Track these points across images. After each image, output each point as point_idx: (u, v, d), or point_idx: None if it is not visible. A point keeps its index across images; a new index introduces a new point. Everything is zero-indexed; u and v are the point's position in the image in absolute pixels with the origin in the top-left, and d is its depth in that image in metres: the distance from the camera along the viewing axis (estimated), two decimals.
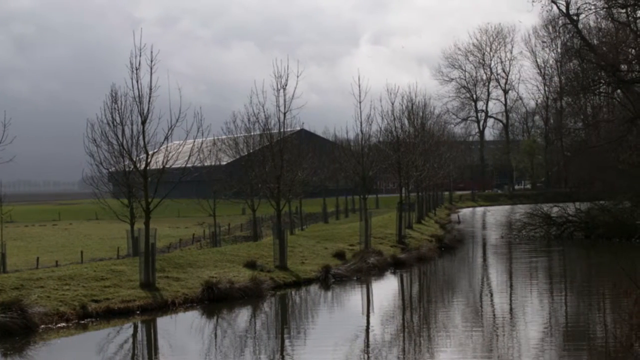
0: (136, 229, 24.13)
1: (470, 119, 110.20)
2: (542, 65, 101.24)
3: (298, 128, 35.32)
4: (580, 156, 52.62)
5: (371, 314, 20.68)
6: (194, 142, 24.32)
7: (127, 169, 24.69)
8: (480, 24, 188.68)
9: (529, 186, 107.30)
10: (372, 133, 39.03)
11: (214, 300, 20.83)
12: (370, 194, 44.97)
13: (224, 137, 39.71)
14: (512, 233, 43.18)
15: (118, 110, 23.33)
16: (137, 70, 21.89)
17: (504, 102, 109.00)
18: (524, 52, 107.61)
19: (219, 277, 21.99)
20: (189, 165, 24.93)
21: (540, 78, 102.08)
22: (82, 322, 18.20)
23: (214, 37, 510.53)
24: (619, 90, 48.26)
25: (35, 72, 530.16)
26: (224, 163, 40.65)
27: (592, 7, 47.05)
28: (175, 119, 22.22)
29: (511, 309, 20.88)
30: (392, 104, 40.05)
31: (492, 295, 24.07)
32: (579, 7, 48.76)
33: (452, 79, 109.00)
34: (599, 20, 52.15)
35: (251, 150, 35.77)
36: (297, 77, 28.20)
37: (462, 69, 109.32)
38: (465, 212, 72.83)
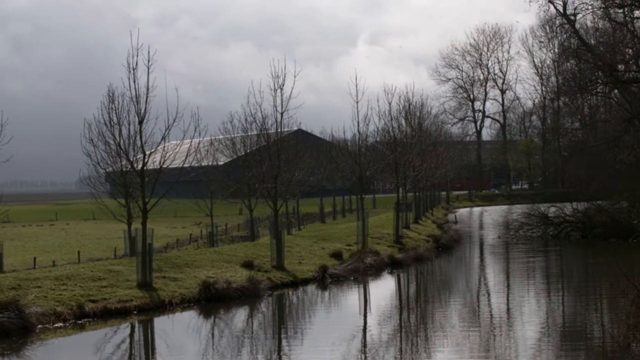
0: (133, 229, 24.10)
1: (467, 119, 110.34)
2: (540, 65, 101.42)
3: (295, 128, 35.26)
4: (578, 156, 52.73)
5: (368, 314, 20.70)
6: (191, 142, 24.27)
7: (124, 169, 24.60)
8: (478, 24, 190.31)
9: (526, 186, 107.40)
10: (369, 133, 39.14)
11: (211, 300, 20.84)
12: (368, 194, 44.88)
13: (221, 137, 39.72)
14: (509, 233, 43.19)
15: (115, 110, 23.24)
16: (134, 70, 21.90)
17: (501, 102, 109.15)
18: (521, 52, 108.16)
19: (216, 277, 21.99)
20: (186, 165, 24.93)
21: (537, 78, 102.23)
22: (79, 322, 18.20)
23: (211, 37, 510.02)
24: (616, 90, 48.36)
25: (32, 72, 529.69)
26: (221, 163, 40.60)
27: (589, 7, 47.14)
28: (172, 119, 22.23)
29: (508, 309, 20.89)
30: (389, 104, 40.15)
31: (489, 295, 24.09)
32: (576, 7, 48.90)
33: (450, 79, 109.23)
34: (596, 20, 52.23)
35: (248, 150, 35.76)
36: (294, 77, 28.16)
37: (459, 69, 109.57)
38: (463, 212, 72.88)
